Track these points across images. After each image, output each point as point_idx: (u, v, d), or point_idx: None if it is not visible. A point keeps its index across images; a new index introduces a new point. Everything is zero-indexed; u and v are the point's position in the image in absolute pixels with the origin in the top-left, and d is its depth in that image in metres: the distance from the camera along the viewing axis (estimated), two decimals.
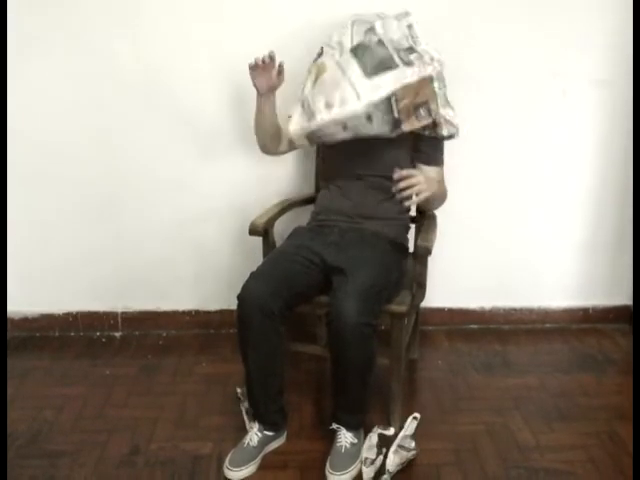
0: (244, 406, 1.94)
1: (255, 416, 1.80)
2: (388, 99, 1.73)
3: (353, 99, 1.73)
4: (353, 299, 1.59)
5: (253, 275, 1.73)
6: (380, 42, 1.77)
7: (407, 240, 2.02)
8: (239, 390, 2.03)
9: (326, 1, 2.11)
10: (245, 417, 1.90)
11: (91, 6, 2.11)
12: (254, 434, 1.76)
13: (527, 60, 2.22)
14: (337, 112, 1.75)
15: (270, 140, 1.99)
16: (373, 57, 1.75)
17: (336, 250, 1.80)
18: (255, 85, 1.85)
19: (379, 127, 1.76)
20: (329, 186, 1.99)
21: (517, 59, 2.22)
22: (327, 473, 1.68)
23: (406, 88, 1.73)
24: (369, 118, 1.75)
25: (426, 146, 1.92)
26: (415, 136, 1.89)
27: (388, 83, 1.73)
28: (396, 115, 1.74)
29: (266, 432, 1.77)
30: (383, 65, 1.74)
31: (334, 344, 1.67)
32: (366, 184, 1.92)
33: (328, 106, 1.76)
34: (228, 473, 1.68)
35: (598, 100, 2.29)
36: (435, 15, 2.14)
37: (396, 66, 1.74)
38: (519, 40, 2.20)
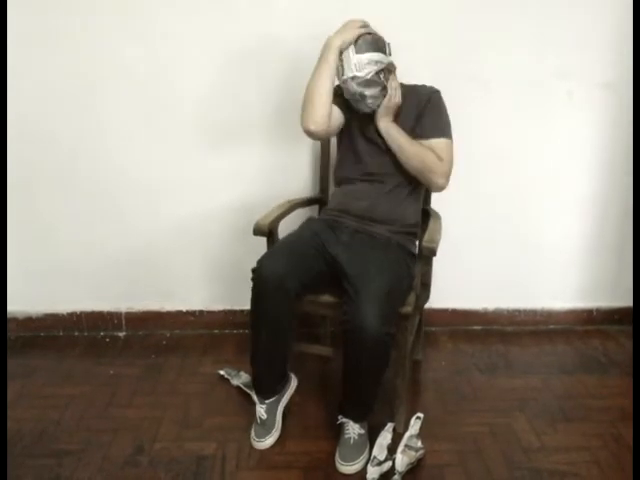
0: (238, 382, 2.09)
1: (254, 387, 1.88)
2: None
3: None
4: (373, 309, 1.59)
5: (269, 252, 1.74)
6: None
7: (415, 247, 2.00)
8: (222, 372, 2.16)
9: None
10: (247, 390, 2.03)
11: (97, 6, 2.12)
12: (259, 409, 1.84)
13: (533, 62, 2.22)
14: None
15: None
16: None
17: (347, 252, 1.80)
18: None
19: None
20: (342, 186, 1.99)
21: (523, 61, 2.22)
22: (338, 464, 1.72)
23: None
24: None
25: (425, 120, 1.85)
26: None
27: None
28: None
29: (267, 401, 1.85)
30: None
31: (352, 352, 1.67)
32: (379, 187, 1.91)
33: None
34: (255, 444, 1.81)
35: (604, 102, 2.30)
36: (442, 17, 2.16)
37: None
38: (525, 42, 2.20)
